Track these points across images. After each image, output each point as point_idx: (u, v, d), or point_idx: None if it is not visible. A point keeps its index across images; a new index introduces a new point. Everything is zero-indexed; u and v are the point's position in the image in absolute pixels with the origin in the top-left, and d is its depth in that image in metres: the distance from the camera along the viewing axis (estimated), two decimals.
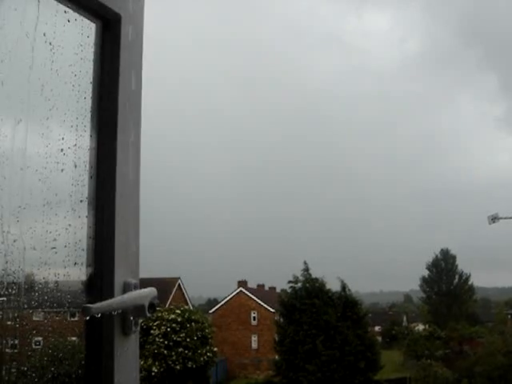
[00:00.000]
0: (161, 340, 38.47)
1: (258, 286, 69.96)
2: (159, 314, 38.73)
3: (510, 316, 67.10)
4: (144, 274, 1.86)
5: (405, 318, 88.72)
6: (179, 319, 39.56)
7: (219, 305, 65.06)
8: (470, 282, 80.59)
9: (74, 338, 1.92)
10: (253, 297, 62.52)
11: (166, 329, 38.83)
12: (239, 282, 64.16)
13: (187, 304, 53.44)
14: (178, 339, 38.92)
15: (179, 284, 58.89)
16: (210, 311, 63.25)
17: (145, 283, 1.77)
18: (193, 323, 40.06)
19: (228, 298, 63.99)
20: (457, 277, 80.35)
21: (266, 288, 73.29)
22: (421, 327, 73.41)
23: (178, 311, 40.45)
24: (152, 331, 38.36)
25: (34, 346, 1.79)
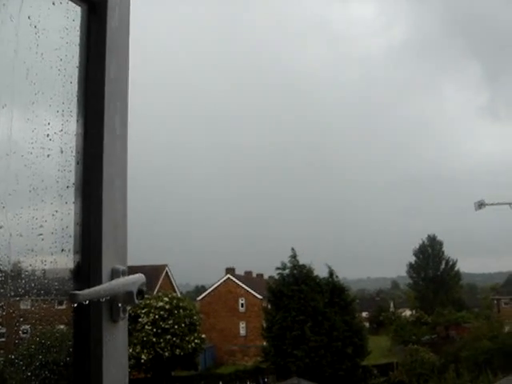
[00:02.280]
0: (149, 327, 38.56)
1: (246, 272, 70.19)
2: (147, 302, 38.80)
3: (495, 301, 67.72)
4: (131, 261, 1.85)
5: (392, 304, 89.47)
6: (167, 306, 39.66)
7: (207, 292, 65.28)
8: (456, 268, 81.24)
9: (61, 326, 1.90)
10: (240, 284, 62.72)
11: (155, 316, 38.92)
12: (227, 269, 64.34)
13: (175, 291, 53.55)
14: (166, 326, 39.06)
15: (166, 271, 58.96)
16: (198, 298, 63.45)
17: (132, 270, 1.75)
18: (181, 310, 40.17)
19: (216, 285, 64.19)
20: (443, 263, 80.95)
21: (254, 275, 73.54)
22: (408, 313, 74.07)
23: (166, 298, 40.54)
24: (140, 319, 38.45)
25: (21, 334, 1.77)
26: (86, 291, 1.55)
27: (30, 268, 1.70)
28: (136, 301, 1.69)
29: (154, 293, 45.15)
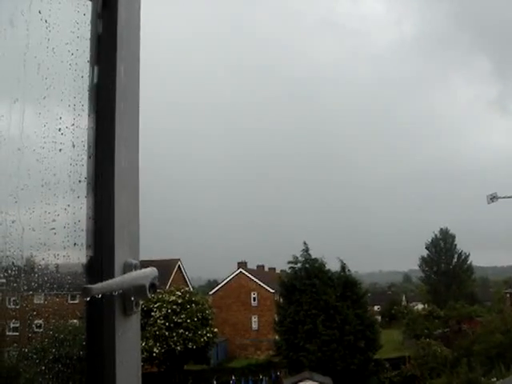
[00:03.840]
0: (162, 322, 38.69)
1: (258, 266, 70.19)
2: (160, 296, 38.91)
3: (508, 295, 67.38)
4: (144, 255, 1.85)
5: (404, 298, 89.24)
6: (180, 301, 39.77)
7: (219, 286, 65.33)
8: (468, 262, 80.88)
9: (74, 320, 1.91)
10: (253, 278, 62.76)
11: (167, 310, 39.05)
12: (239, 264, 64.36)
13: (187, 285, 53.70)
14: (179, 321, 39.17)
15: (179, 265, 59.10)
16: (210, 292, 63.53)
17: (145, 265, 1.76)
18: (193, 305, 40.28)
19: (228, 279, 64.25)
20: (456, 256, 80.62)
21: (266, 269, 73.53)
22: (420, 306, 73.83)
23: (179, 293, 40.66)
24: (153, 313, 38.58)
25: (35, 328, 1.78)
26: (99, 285, 1.55)
27: (42, 262, 1.71)
28: (148, 294, 1.69)
29: (167, 287, 45.29)
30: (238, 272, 63.49)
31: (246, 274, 63.11)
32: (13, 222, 1.57)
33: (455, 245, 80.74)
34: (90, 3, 1.84)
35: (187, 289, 45.31)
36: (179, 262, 59.12)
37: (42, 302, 1.78)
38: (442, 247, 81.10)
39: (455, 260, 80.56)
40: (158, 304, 38.92)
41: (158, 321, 38.79)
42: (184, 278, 59.46)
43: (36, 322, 1.78)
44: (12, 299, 1.69)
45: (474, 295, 77.52)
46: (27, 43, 1.67)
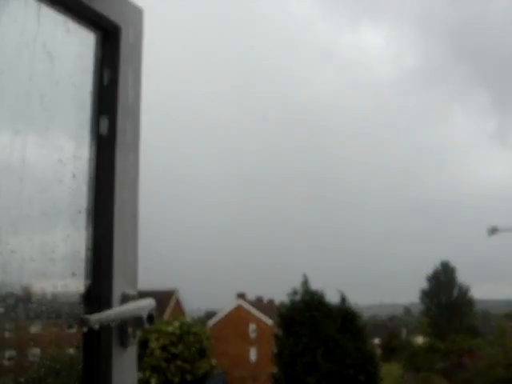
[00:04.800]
0: (159, 352, 38.34)
1: (257, 298, 69.80)
2: (157, 327, 38.61)
3: (510, 328, 66.83)
4: (141, 285, 1.86)
5: (404, 331, 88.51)
6: (177, 332, 39.42)
7: (218, 317, 64.87)
8: (469, 295, 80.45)
9: (71, 350, 1.91)
10: (251, 309, 62.36)
11: (165, 341, 38.71)
12: (238, 295, 64.02)
13: (185, 316, 53.28)
14: (176, 352, 38.79)
15: (177, 296, 58.72)
16: (209, 324, 63.03)
17: (142, 295, 1.76)
18: (191, 336, 39.94)
19: (226, 311, 63.83)
20: (456, 289, 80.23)
21: (265, 300, 73.08)
22: (420, 340, 73.20)
23: (177, 324, 40.33)
24: (150, 344, 38.23)
25: (31, 358, 1.77)
26: (97, 316, 1.56)
27: (41, 292, 1.72)
28: (146, 326, 1.69)
29: (165, 318, 44.97)
30: (236, 303, 63.09)
31: (245, 305, 62.71)
32: (13, 252, 1.58)
33: (456, 277, 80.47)
34: (92, 36, 1.88)
35: (185, 319, 44.94)
36: (177, 293, 58.76)
37: (39, 331, 1.79)
38: (443, 280, 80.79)
39: (456, 293, 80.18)
40: (155, 335, 38.61)
41: (156, 352, 38.42)
42: (182, 308, 59.05)
43: (33, 351, 1.78)
44: (10, 328, 1.69)
45: (475, 328, 76.91)
46: (31, 75, 1.70)
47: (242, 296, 63.78)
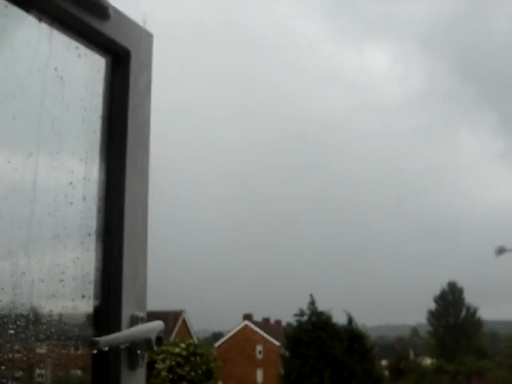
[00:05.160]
0: (165, 374, 38.13)
1: (264, 319, 69.48)
2: (164, 348, 38.44)
3: None
4: (148, 306, 1.86)
5: (412, 352, 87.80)
6: (184, 353, 39.24)
7: (224, 338, 64.61)
8: (477, 315, 79.92)
9: (80, 372, 1.91)
10: (258, 330, 62.10)
11: (171, 362, 38.52)
12: (244, 316, 63.80)
13: (192, 337, 53.06)
14: (183, 373, 38.59)
15: (184, 317, 58.55)
16: (215, 345, 62.74)
17: (149, 316, 1.77)
18: (197, 357, 39.73)
19: (233, 332, 63.59)
20: (464, 310, 79.73)
21: (272, 321, 72.75)
22: (428, 361, 72.62)
23: (183, 345, 40.15)
24: (156, 365, 38.04)
25: (40, 379, 1.78)
26: (106, 338, 1.56)
27: (51, 313, 1.73)
28: (155, 348, 1.70)
29: (171, 339, 44.80)
30: (243, 324, 62.88)
31: (252, 326, 62.48)
32: (23, 274, 1.59)
33: (464, 298, 79.99)
34: (103, 60, 1.90)
35: (192, 341, 44.75)
36: (184, 314, 58.62)
37: (49, 352, 1.79)
38: (451, 300, 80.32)
39: (464, 314, 79.66)
40: (161, 356, 38.42)
41: (162, 373, 38.21)
42: (189, 329, 58.84)
43: (42, 372, 1.79)
44: (20, 350, 1.70)
45: (483, 349, 76.33)
46: (42, 99, 1.73)
47: (248, 317, 63.55)
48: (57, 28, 1.73)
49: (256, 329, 62.22)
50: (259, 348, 61.58)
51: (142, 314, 1.75)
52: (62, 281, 1.71)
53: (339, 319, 42.59)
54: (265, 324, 67.44)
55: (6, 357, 1.60)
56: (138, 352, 1.70)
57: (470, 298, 79.59)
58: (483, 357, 67.48)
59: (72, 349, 1.86)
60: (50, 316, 1.73)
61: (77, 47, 1.81)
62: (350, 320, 42.32)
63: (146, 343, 1.69)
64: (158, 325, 1.74)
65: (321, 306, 42.67)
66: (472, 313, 79.46)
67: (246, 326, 62.56)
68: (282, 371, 42.76)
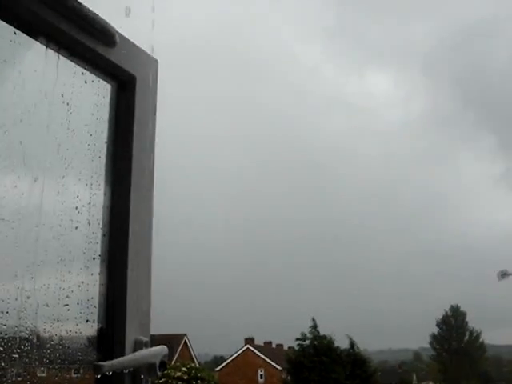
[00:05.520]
0: None
1: (265, 343, 69.07)
2: (165, 372, 38.11)
3: None
4: (150, 329, 1.87)
5: (415, 377, 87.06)
6: (185, 377, 38.95)
7: (226, 362, 64.20)
8: (481, 340, 79.47)
9: None
10: (260, 354, 61.67)
11: None
12: (246, 340, 63.42)
13: (193, 361, 52.69)
14: None
15: (185, 341, 58.24)
16: (217, 369, 62.31)
17: (151, 340, 1.77)
18: (199, 381, 39.42)
19: (235, 356, 63.18)
20: (467, 334, 79.26)
21: (274, 345, 72.30)
22: None
23: (185, 369, 39.86)
24: None
25: None
26: (110, 363, 1.57)
27: (55, 337, 1.73)
28: (158, 373, 1.70)
29: (173, 362, 44.49)
30: (244, 348, 62.48)
31: (253, 350, 62.07)
32: (28, 298, 1.60)
33: (467, 322, 79.60)
34: (109, 86, 1.93)
35: (193, 364, 44.43)
36: (185, 337, 58.30)
37: (52, 377, 1.79)
38: (453, 324, 79.87)
39: (467, 338, 79.18)
40: (163, 380, 38.14)
41: None
42: (190, 353, 58.48)
43: None
44: (23, 374, 1.70)
45: (487, 374, 75.72)
46: (49, 124, 1.75)
47: (250, 341, 63.14)
48: (63, 54, 1.76)
49: (257, 353, 61.79)
50: (261, 372, 61.11)
51: (145, 339, 1.75)
52: (66, 305, 1.72)
53: (341, 343, 42.36)
54: (266, 348, 67.01)
55: (10, 381, 1.60)
56: (142, 377, 1.70)
57: (473, 322, 79.12)
58: (487, 382, 66.87)
59: (76, 373, 1.86)
60: (54, 340, 1.73)
61: (83, 73, 1.83)
62: (352, 344, 42.10)
63: (149, 368, 1.69)
64: (161, 349, 1.74)
65: (323, 330, 42.46)
66: (475, 337, 78.95)
67: (248, 349, 62.16)
68: None
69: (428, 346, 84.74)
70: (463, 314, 79.71)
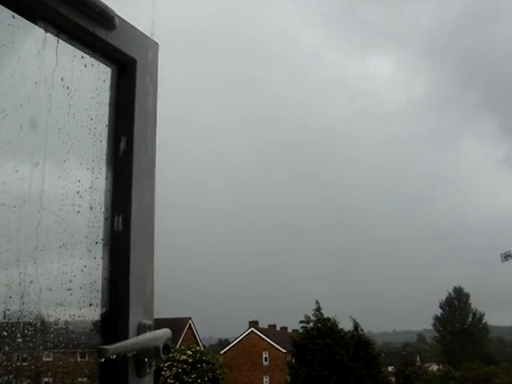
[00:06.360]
0: (172, 381, 38.10)
1: (270, 326, 69.34)
2: (170, 355, 38.36)
3: None
4: (155, 313, 1.87)
5: (418, 358, 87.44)
6: (190, 360, 39.21)
7: (230, 345, 64.49)
8: (484, 321, 79.74)
9: (88, 380, 1.92)
10: (264, 337, 61.93)
11: (177, 370, 38.48)
12: (250, 323, 63.68)
13: (198, 344, 53.00)
14: (189, 380, 38.53)
15: (190, 324, 58.50)
16: (221, 352, 62.64)
17: (156, 323, 1.78)
18: (204, 364, 39.68)
19: (239, 339, 63.46)
20: (470, 315, 79.51)
21: (278, 328, 72.59)
22: (435, 367, 72.36)
23: (189, 352, 40.11)
24: (163, 372, 38.02)
25: None
26: (114, 346, 1.57)
27: (58, 322, 1.73)
28: (162, 356, 1.70)
29: (177, 346, 44.75)
30: (249, 331, 62.74)
31: (258, 333, 62.32)
32: (31, 282, 1.60)
33: (470, 304, 79.79)
34: (109, 70, 1.92)
35: (198, 348, 44.70)
36: (190, 321, 58.54)
37: (56, 361, 1.80)
38: (457, 306, 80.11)
39: (470, 319, 79.46)
40: (168, 363, 38.38)
41: (169, 380, 38.19)
42: (195, 336, 58.76)
43: (50, 381, 1.79)
44: (28, 358, 1.71)
45: (490, 355, 75.99)
46: (49, 109, 1.74)
47: (254, 324, 63.39)
48: (63, 38, 1.75)
49: (262, 335, 62.06)
50: (265, 355, 61.42)
51: (149, 322, 1.75)
52: (69, 289, 1.72)
53: (345, 325, 42.53)
54: (271, 331, 67.28)
55: (14, 365, 1.61)
56: (146, 360, 1.71)
57: (476, 303, 79.32)
58: (490, 363, 67.17)
59: (79, 357, 1.87)
60: (57, 324, 1.74)
61: (83, 57, 1.82)
62: (356, 326, 42.25)
63: (153, 351, 1.70)
64: (165, 333, 1.74)
65: (326, 313, 42.60)
66: (478, 318, 79.21)
67: (252, 332, 62.42)
68: (289, 378, 42.64)
69: (431, 327, 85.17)
70: (466, 296, 79.93)
